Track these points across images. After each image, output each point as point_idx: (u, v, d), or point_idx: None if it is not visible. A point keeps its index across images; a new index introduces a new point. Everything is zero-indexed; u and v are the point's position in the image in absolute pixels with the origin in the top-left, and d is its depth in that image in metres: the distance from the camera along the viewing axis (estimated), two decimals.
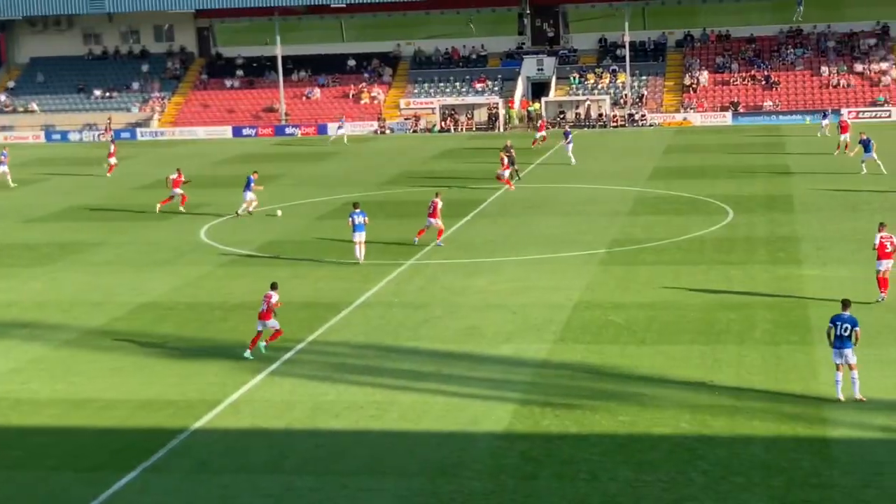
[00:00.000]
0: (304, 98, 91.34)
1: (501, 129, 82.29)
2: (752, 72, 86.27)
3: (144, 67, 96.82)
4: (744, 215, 42.92)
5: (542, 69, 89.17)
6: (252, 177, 47.38)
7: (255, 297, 32.66)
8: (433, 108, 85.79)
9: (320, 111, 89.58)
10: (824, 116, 70.80)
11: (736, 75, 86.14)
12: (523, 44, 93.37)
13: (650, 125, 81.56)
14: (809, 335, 26.72)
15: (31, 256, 40.40)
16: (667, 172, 56.05)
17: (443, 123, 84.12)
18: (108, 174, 62.59)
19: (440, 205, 39.16)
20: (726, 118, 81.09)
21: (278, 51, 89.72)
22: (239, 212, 47.02)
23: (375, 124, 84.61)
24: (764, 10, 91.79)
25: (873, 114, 78.31)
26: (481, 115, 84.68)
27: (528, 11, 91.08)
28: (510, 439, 21.14)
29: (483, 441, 21.11)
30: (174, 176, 49.89)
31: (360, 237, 36.50)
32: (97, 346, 28.46)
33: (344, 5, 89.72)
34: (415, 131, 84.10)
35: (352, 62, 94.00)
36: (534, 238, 40.08)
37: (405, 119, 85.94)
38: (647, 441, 20.79)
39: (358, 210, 36.74)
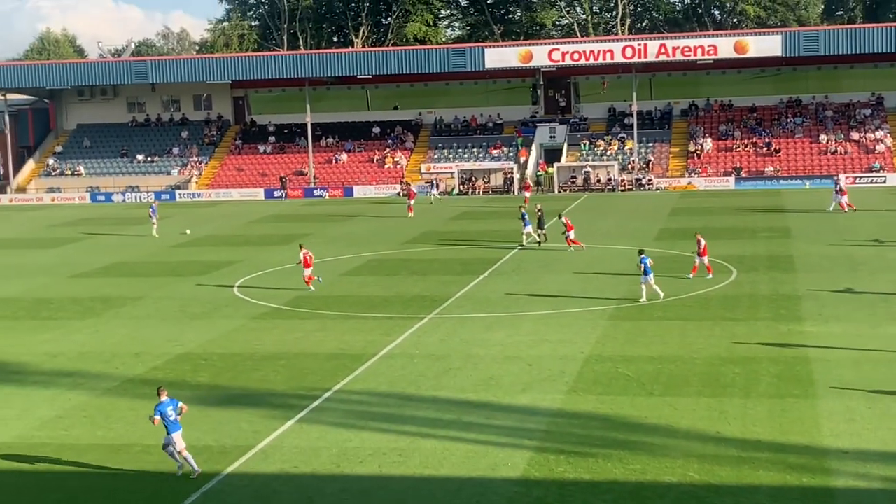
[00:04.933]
0: (331, 162, 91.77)
1: (516, 192, 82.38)
2: (754, 139, 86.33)
3: (184, 134, 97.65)
4: (747, 274, 42.69)
5: (554, 136, 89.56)
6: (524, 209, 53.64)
7: (284, 349, 32.69)
8: (452, 172, 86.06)
9: (347, 175, 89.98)
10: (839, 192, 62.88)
11: (738, 142, 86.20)
12: (537, 112, 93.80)
13: (656, 189, 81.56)
14: (812, 389, 26.40)
15: (76, 309, 40.44)
16: (672, 233, 55.90)
17: (461, 186, 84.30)
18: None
19: (703, 242, 41.93)
20: (729, 182, 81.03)
21: (308, 118, 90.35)
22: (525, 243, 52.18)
23: (398, 187, 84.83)
24: (765, 82, 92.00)
25: (869, 179, 78.13)
26: (497, 179, 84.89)
27: (542, 83, 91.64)
28: (526, 485, 20.87)
29: (501, 487, 20.84)
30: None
31: (649, 279, 37.59)
32: (137, 394, 28.34)
33: (370, 77, 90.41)
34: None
35: (376, 129, 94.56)
36: (547, 294, 39.91)
37: (426, 182, 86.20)
38: (656, 489, 20.48)
39: (643, 256, 38.12)
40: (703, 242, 42.00)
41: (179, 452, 21.91)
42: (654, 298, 37.48)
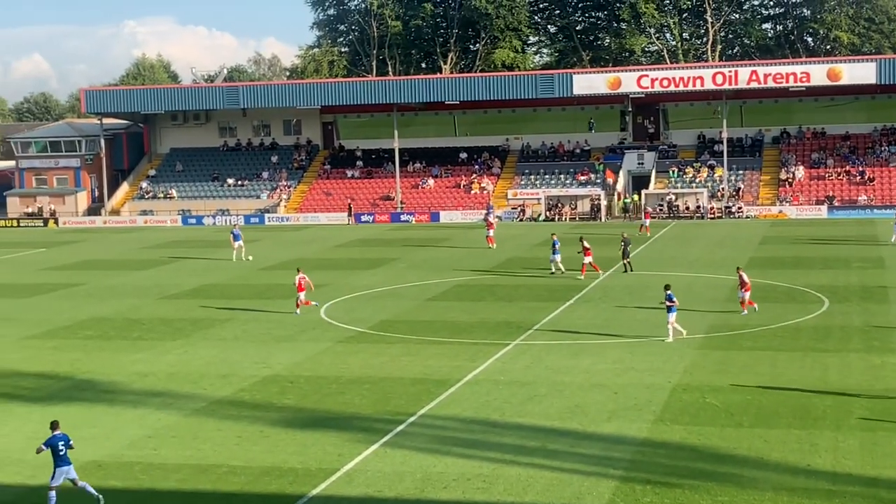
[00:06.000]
0: (418, 187, 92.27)
1: (603, 220, 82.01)
2: (847, 167, 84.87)
3: (274, 158, 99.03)
4: (839, 305, 41.90)
5: (642, 163, 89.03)
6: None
7: (369, 372, 32.85)
8: (539, 199, 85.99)
9: (433, 200, 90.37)
10: None
11: (831, 170, 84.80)
12: (625, 139, 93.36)
13: (746, 217, 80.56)
14: None
15: (165, 330, 41.13)
16: (763, 262, 55.10)
17: (548, 213, 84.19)
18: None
19: (745, 276, 40.31)
20: (821, 211, 79.75)
21: (396, 144, 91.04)
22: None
23: (484, 213, 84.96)
24: (858, 110, 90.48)
25: None
26: (584, 206, 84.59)
27: (631, 109, 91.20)
28: None
29: None
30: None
31: (672, 317, 35.85)
32: (224, 415, 28.69)
33: (457, 102, 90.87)
34: (521, 220, 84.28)
35: (464, 155, 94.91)
36: (634, 322, 39.58)
37: (512, 208, 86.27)
38: None
39: (669, 292, 36.19)
40: (745, 277, 40.46)
41: (74, 482, 21.66)
42: (676, 335, 36.04)
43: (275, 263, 60.79)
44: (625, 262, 52.13)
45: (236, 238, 62.97)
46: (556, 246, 52.14)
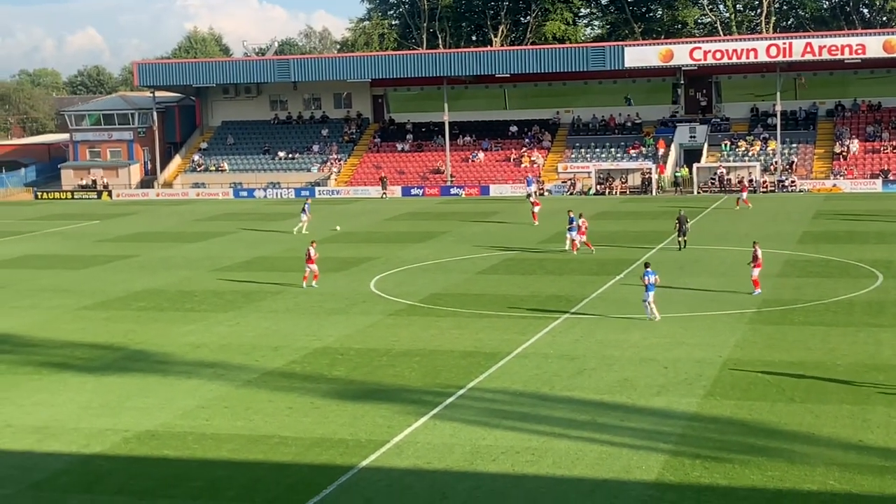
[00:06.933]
0: (468, 161, 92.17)
1: (654, 193, 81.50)
2: None
3: (324, 131, 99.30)
4: (894, 279, 41.38)
5: (694, 136, 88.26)
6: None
7: (419, 345, 32.99)
8: (589, 172, 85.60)
9: (483, 173, 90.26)
10: None
11: (886, 144, 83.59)
12: (677, 112, 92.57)
13: (799, 191, 79.69)
14: None
15: (217, 302, 41.53)
16: (816, 237, 54.56)
17: (598, 187, 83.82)
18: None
19: (759, 252, 39.35)
20: (876, 185, 78.65)
21: (445, 117, 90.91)
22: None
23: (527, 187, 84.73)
24: None
25: None
26: (635, 180, 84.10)
27: (683, 82, 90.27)
28: (660, 489, 20.66)
29: (634, 490, 20.68)
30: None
31: (650, 296, 35.15)
32: (275, 386, 28.97)
33: (508, 76, 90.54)
34: (571, 193, 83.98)
35: (514, 128, 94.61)
36: (685, 296, 39.37)
37: (562, 182, 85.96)
38: (795, 497, 20.02)
39: (649, 269, 35.60)
40: (759, 252, 39.40)
41: None
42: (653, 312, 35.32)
43: (326, 236, 61.05)
44: (679, 238, 51.50)
45: (304, 212, 63.31)
46: (574, 223, 51.45)
